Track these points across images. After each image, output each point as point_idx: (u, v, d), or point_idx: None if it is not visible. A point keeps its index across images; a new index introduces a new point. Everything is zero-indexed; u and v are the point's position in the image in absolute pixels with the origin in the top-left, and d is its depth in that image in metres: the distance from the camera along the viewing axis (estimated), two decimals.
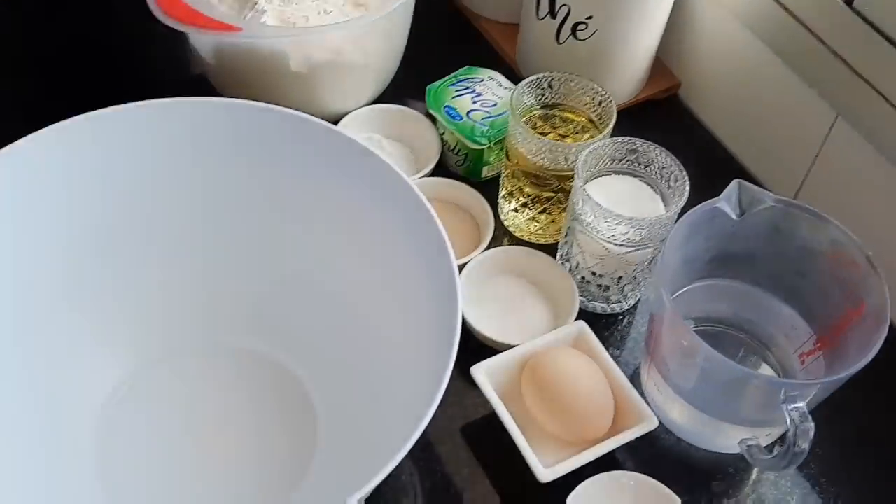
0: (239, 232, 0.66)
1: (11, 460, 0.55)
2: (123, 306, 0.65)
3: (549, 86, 0.71)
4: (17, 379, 0.59)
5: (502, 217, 0.77)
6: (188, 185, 0.64)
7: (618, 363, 0.65)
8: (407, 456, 0.54)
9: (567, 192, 0.71)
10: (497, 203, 0.78)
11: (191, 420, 0.64)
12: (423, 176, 0.77)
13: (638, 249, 0.66)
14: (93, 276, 0.63)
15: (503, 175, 0.75)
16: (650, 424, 0.62)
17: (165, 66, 0.90)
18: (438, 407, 0.49)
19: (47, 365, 0.61)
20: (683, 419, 0.65)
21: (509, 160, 0.72)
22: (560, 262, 0.72)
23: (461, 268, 0.67)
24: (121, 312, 0.65)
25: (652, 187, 0.67)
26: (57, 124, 0.59)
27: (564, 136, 0.72)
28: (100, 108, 0.61)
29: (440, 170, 0.80)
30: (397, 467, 0.56)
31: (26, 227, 0.60)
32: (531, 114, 0.72)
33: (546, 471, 0.60)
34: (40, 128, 0.59)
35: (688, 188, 0.64)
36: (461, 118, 0.77)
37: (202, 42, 0.77)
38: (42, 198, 0.60)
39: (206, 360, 0.67)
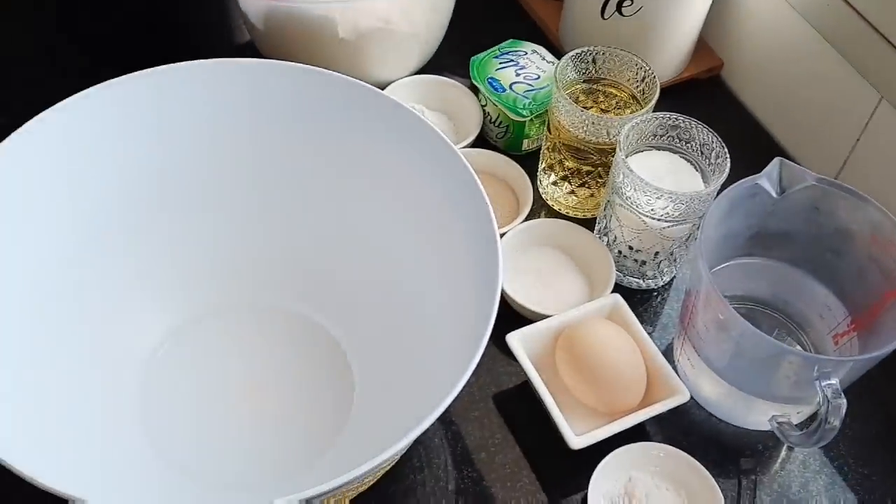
0: (285, 194, 0.67)
1: (62, 408, 0.57)
2: (171, 264, 0.66)
3: (593, 60, 0.72)
4: (67, 329, 0.60)
5: (541, 190, 0.78)
6: (238, 145, 0.65)
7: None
8: (440, 419, 0.55)
9: (607, 167, 0.72)
10: (536, 176, 0.78)
11: (230, 376, 0.66)
12: (464, 147, 0.78)
13: (676, 224, 0.66)
14: (142, 232, 0.65)
15: (543, 148, 0.76)
16: (682, 397, 0.63)
17: (213, 33, 0.91)
18: (472, 374, 0.50)
19: (96, 317, 0.63)
20: (715, 394, 0.65)
21: (550, 133, 0.73)
22: (598, 235, 0.73)
23: None
24: (169, 269, 0.66)
25: (692, 164, 0.68)
26: (116, 79, 0.60)
27: (606, 111, 0.72)
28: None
29: (480, 142, 0.81)
30: (430, 429, 0.57)
31: (82, 182, 0.61)
32: (574, 88, 0.73)
33: (577, 438, 0.61)
34: (87, 88, 0.60)
35: (728, 165, 0.64)
36: (504, 90, 0.77)
37: (252, 7, 0.78)
38: (98, 152, 0.61)
39: (249, 319, 0.68)
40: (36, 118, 0.58)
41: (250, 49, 0.84)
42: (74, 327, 0.61)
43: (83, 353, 0.61)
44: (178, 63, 0.61)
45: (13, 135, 0.56)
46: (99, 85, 0.60)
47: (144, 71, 0.61)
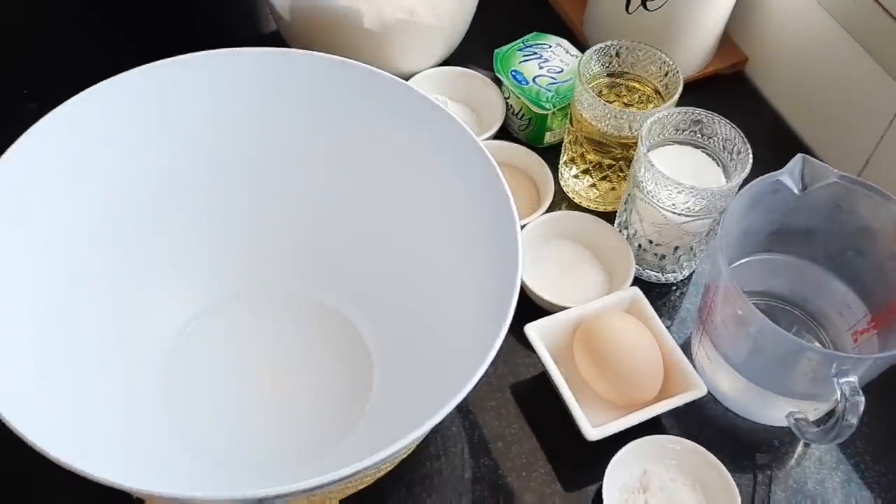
0: (307, 182, 0.67)
1: (85, 389, 0.58)
2: (196, 249, 0.67)
3: (617, 54, 0.72)
4: (92, 313, 0.61)
5: (562, 183, 0.78)
6: (262, 133, 0.65)
7: None
8: (457, 408, 0.55)
9: (629, 161, 0.72)
10: (558, 169, 0.78)
11: (250, 361, 0.67)
12: (486, 139, 0.78)
13: (697, 219, 0.66)
14: (168, 218, 0.66)
15: (566, 141, 0.76)
16: (699, 391, 0.63)
17: (240, 22, 0.92)
18: (490, 364, 0.51)
19: (121, 301, 0.64)
20: (732, 389, 0.65)
21: (572, 126, 0.73)
22: (618, 229, 0.73)
23: None
24: (193, 255, 0.67)
25: (714, 159, 0.68)
26: (144, 66, 0.61)
27: (629, 106, 0.72)
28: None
29: (503, 134, 0.81)
30: (447, 418, 0.58)
31: (109, 166, 0.62)
32: (597, 81, 0.73)
33: (593, 430, 0.61)
34: (114, 75, 0.60)
35: (751, 161, 0.64)
36: (527, 83, 0.78)
37: None
38: (126, 138, 0.62)
39: (271, 305, 0.69)
40: (64, 104, 0.58)
41: (276, 39, 0.85)
42: (99, 311, 0.62)
43: (107, 336, 0.62)
44: (206, 51, 0.62)
45: (44, 119, 0.57)
46: (127, 72, 0.60)
47: (173, 58, 0.61)
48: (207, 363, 0.66)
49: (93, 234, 0.62)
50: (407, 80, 0.79)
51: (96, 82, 0.60)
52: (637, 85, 0.73)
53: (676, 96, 0.69)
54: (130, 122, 0.62)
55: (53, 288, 0.58)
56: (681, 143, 0.69)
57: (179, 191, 0.66)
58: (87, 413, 0.56)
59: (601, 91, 0.73)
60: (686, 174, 0.65)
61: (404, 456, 0.62)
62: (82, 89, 0.59)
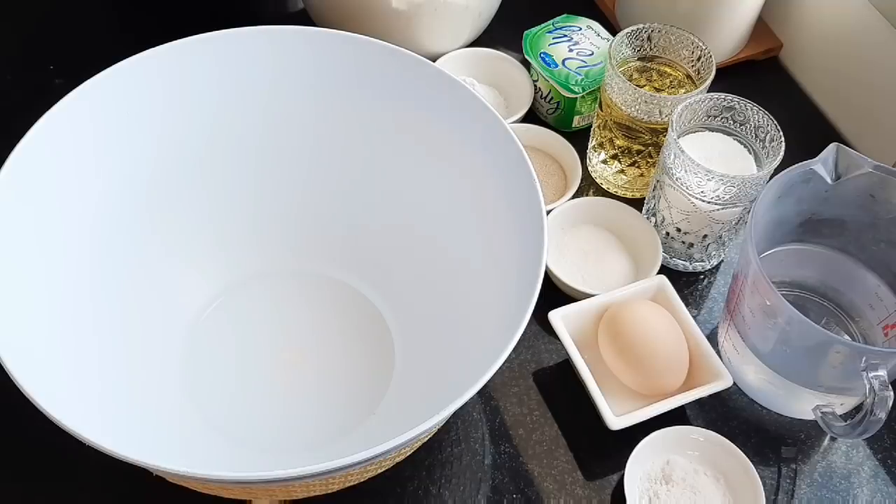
0: (332, 162, 0.67)
1: (107, 368, 0.58)
2: (218, 228, 0.67)
3: (649, 38, 0.71)
4: (114, 291, 0.61)
5: (590, 168, 0.77)
6: (287, 112, 0.65)
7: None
8: (479, 394, 0.55)
9: (658, 147, 0.71)
10: (585, 153, 0.77)
11: (272, 341, 0.66)
12: (514, 122, 0.77)
13: (726, 208, 0.65)
14: (189, 196, 0.65)
15: (594, 125, 0.75)
16: (724, 382, 0.62)
17: (266, 0, 0.92)
18: (513, 349, 0.50)
19: (142, 280, 0.64)
20: (759, 381, 0.64)
21: (602, 111, 0.72)
22: (646, 216, 0.72)
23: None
24: (215, 234, 0.67)
25: (745, 146, 0.67)
26: (169, 44, 0.60)
27: (659, 90, 0.71)
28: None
29: (531, 117, 0.80)
30: (468, 404, 0.57)
31: (131, 145, 0.62)
32: (627, 65, 0.72)
33: (616, 419, 0.61)
34: (139, 52, 0.60)
35: (783, 149, 0.63)
36: (556, 66, 0.77)
37: None
38: (150, 116, 0.62)
39: (293, 286, 0.68)
40: (89, 81, 0.58)
41: (304, 17, 0.84)
42: (121, 289, 0.62)
43: (129, 316, 0.62)
44: (231, 29, 0.61)
45: (66, 97, 0.57)
46: (151, 50, 0.60)
47: (197, 36, 0.61)
48: (229, 342, 0.66)
49: (115, 212, 0.62)
50: (434, 60, 0.78)
51: (120, 59, 0.59)
52: (668, 69, 0.72)
53: (708, 82, 0.68)
54: (152, 100, 0.61)
55: (73, 268, 0.58)
56: (712, 129, 0.67)
57: (206, 169, 0.65)
58: (108, 389, 0.56)
59: (631, 75, 0.72)
60: (716, 161, 0.64)
61: (425, 440, 0.62)
62: (107, 66, 0.59)
